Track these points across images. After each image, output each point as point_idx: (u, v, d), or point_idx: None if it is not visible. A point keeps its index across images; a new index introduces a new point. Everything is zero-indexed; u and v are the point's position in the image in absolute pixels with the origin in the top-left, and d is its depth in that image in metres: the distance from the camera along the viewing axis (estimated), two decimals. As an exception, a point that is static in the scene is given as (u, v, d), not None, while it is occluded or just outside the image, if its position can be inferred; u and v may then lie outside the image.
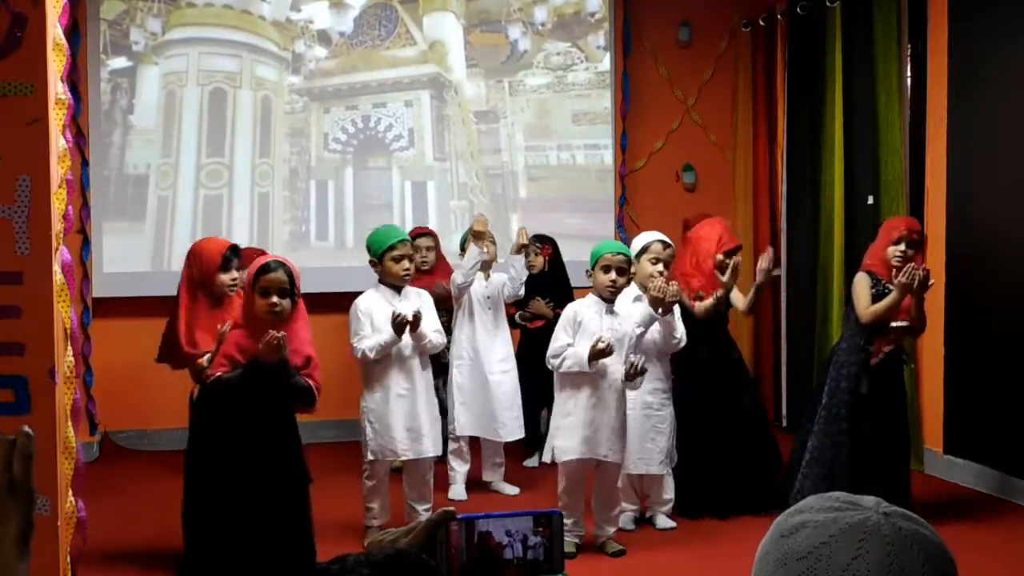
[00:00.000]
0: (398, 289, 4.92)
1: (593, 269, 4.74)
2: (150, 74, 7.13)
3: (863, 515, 1.09)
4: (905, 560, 1.05)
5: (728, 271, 5.20)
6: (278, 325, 3.95)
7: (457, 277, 5.58)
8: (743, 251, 7.62)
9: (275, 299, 3.97)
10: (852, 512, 1.09)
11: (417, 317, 4.74)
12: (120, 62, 7.06)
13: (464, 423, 5.70)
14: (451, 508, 1.27)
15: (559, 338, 4.71)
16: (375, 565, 1.11)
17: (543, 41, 7.63)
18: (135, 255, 7.03)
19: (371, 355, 4.77)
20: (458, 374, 5.73)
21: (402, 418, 4.86)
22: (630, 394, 4.84)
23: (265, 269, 4.01)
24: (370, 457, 4.90)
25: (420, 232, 6.26)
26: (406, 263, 4.88)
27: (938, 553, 1.08)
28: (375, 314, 4.83)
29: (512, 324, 6.08)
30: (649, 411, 5.01)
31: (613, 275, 4.65)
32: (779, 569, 1.09)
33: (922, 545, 1.07)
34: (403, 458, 4.94)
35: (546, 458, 4.83)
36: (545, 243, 6.32)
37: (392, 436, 4.85)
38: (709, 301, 5.21)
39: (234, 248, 4.58)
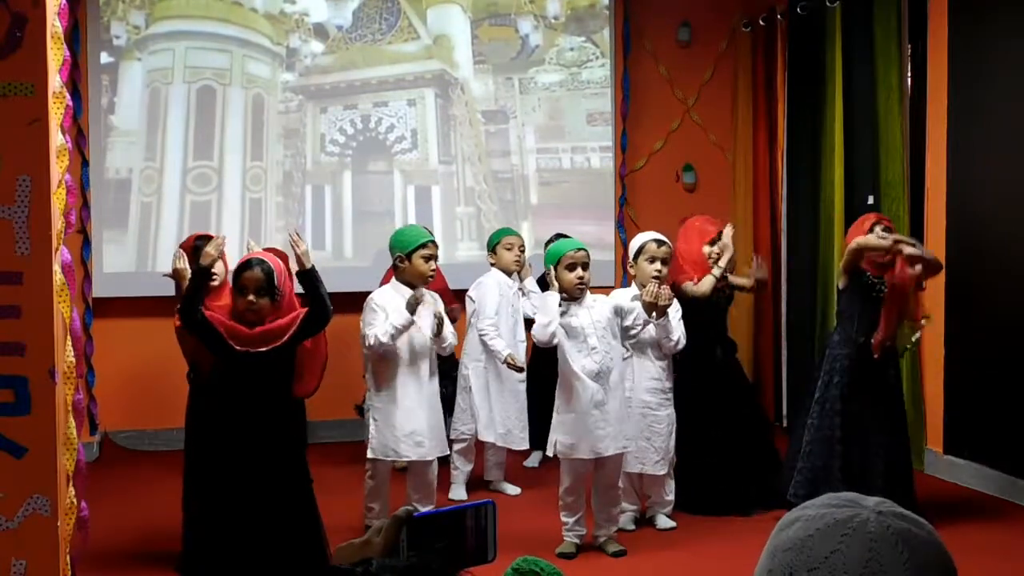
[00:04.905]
0: (415, 289, 4.93)
1: (556, 269, 4.74)
2: (132, 71, 6.79)
3: (854, 512, 1.10)
4: (886, 556, 1.06)
5: (722, 257, 5.31)
6: (258, 322, 4.03)
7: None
8: (742, 246, 7.67)
9: (251, 298, 4.01)
10: (846, 509, 1.11)
11: (439, 316, 4.83)
12: (100, 58, 6.74)
13: (483, 426, 5.69)
14: (411, 507, 1.34)
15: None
16: (399, 571, 1.15)
17: (556, 36, 7.36)
18: (118, 263, 6.79)
19: (384, 339, 4.73)
20: (473, 377, 5.72)
21: (407, 420, 4.85)
22: (629, 394, 4.90)
23: (243, 267, 4.07)
24: (370, 455, 4.91)
25: None
26: (433, 264, 4.91)
27: (927, 552, 1.08)
28: (390, 310, 4.82)
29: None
30: (646, 410, 5.01)
31: (579, 271, 4.67)
32: (769, 559, 1.13)
33: (908, 543, 1.08)
34: (404, 459, 4.95)
35: (548, 451, 4.83)
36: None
37: (396, 436, 4.86)
38: (707, 280, 5.25)
39: (202, 237, 4.64)
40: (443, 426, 5.08)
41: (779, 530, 1.14)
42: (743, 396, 5.54)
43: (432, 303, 4.97)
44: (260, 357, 4.02)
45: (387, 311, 4.81)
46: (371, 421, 4.93)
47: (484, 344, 5.65)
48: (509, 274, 5.80)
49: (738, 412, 5.41)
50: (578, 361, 4.66)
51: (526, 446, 5.82)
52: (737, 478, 5.32)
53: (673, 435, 5.07)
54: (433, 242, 4.98)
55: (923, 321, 5.05)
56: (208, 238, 4.70)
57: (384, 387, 4.89)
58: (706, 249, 5.35)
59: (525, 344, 5.86)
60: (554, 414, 4.79)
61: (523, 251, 5.87)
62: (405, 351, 4.85)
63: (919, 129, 6.21)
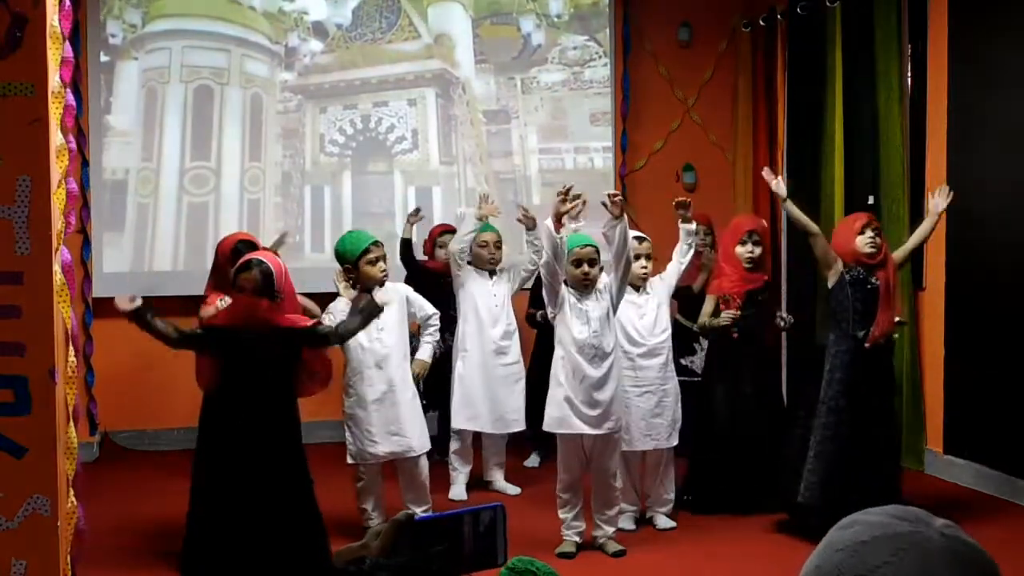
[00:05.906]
0: (370, 292, 4.93)
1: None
2: (129, 70, 6.70)
3: (917, 528, 1.07)
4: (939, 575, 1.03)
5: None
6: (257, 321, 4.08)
7: (453, 245, 5.65)
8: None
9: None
10: (908, 524, 1.08)
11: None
12: (98, 56, 6.68)
13: (462, 418, 5.67)
14: (411, 511, 1.34)
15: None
16: (392, 569, 1.15)
17: (558, 34, 7.30)
18: (115, 264, 6.73)
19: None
20: (462, 366, 5.70)
21: (380, 420, 4.87)
22: (634, 374, 4.99)
23: (241, 268, 4.11)
24: (349, 460, 4.95)
25: (447, 229, 6.26)
26: (382, 264, 4.89)
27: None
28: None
29: (532, 324, 6.11)
30: (655, 386, 5.06)
31: (585, 267, 4.68)
32: (820, 556, 1.11)
33: (966, 570, 1.05)
34: (383, 459, 4.96)
35: (544, 428, 4.84)
36: None
37: (372, 440, 4.87)
38: (721, 320, 5.31)
39: (245, 242, 4.71)
40: (423, 424, 5.07)
41: (837, 528, 1.12)
42: (769, 396, 5.58)
43: (393, 295, 4.94)
44: (262, 339, 4.08)
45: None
46: (346, 427, 4.96)
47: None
48: (489, 273, 5.75)
49: (758, 400, 5.41)
50: (579, 339, 4.66)
51: (522, 427, 5.77)
52: (747, 477, 5.31)
53: (679, 402, 5.12)
54: (376, 243, 4.92)
55: (898, 319, 5.11)
56: (249, 242, 4.76)
57: (352, 391, 4.92)
58: (738, 249, 5.36)
59: (516, 338, 5.82)
60: (549, 392, 4.80)
61: (499, 247, 5.77)
62: (362, 352, 4.86)
63: (919, 129, 6.21)
